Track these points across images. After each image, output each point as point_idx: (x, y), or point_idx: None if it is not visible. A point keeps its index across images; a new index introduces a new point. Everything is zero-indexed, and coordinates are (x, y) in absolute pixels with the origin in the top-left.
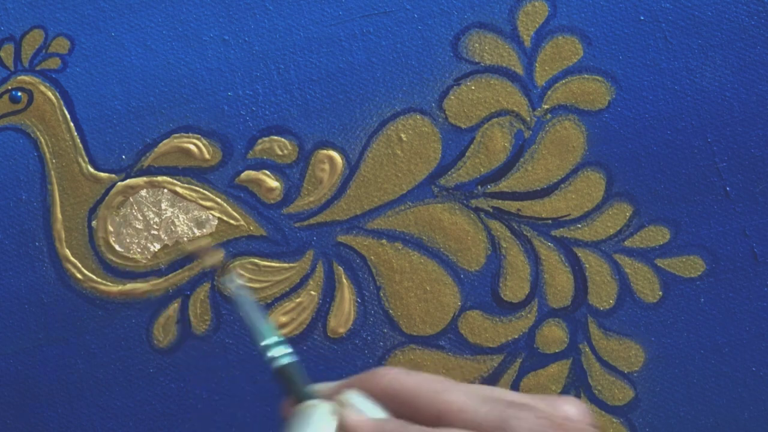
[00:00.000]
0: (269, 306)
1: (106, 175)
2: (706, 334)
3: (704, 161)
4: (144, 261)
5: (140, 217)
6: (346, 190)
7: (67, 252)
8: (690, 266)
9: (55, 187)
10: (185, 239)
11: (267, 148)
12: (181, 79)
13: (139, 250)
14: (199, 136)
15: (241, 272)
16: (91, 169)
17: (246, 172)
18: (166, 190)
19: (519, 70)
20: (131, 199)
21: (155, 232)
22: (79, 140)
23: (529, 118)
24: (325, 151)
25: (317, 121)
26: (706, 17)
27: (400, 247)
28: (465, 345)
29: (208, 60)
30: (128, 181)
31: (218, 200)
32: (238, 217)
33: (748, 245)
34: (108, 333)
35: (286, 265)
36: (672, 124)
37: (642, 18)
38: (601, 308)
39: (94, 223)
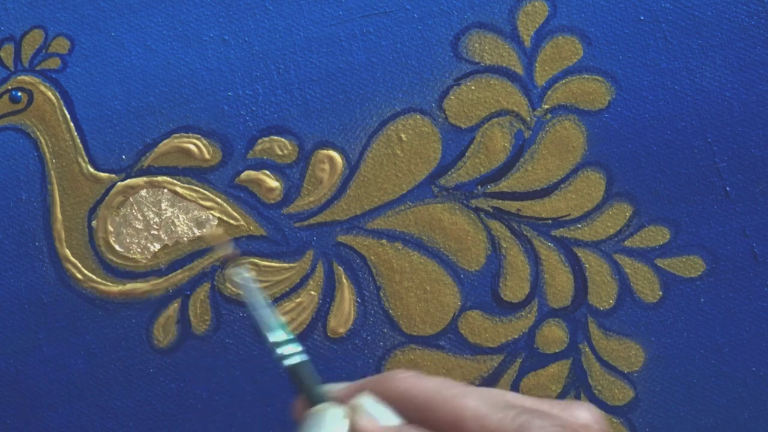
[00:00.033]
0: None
1: (106, 175)
2: (706, 334)
3: (704, 161)
4: (144, 261)
5: (140, 217)
6: (346, 190)
7: (67, 252)
8: (690, 266)
9: (55, 187)
10: (185, 239)
11: (267, 148)
12: (181, 79)
13: (139, 250)
14: (199, 136)
15: (250, 267)
16: (91, 169)
17: (246, 172)
18: (166, 190)
19: (519, 70)
20: (131, 199)
21: (155, 232)
22: (79, 140)
23: (529, 118)
24: (325, 151)
25: (317, 121)
26: (706, 17)
27: (400, 247)
28: (465, 345)
29: (208, 60)
30: (128, 181)
31: (218, 200)
32: (238, 217)
33: (748, 245)
34: (108, 333)
35: (286, 265)
36: (672, 124)
37: (642, 18)
38: (601, 308)
39: (94, 223)
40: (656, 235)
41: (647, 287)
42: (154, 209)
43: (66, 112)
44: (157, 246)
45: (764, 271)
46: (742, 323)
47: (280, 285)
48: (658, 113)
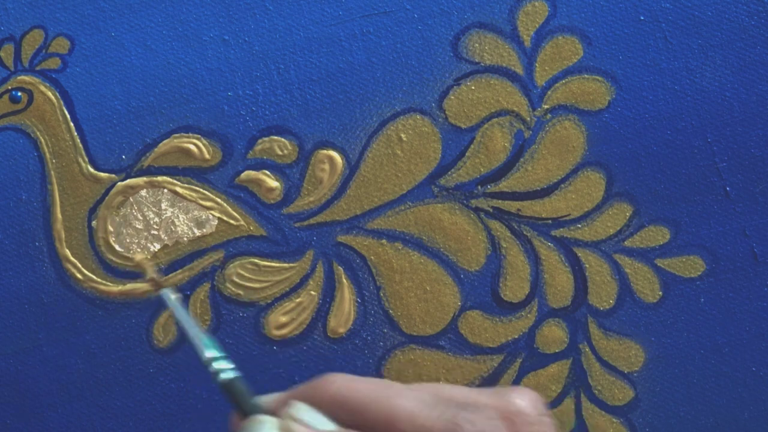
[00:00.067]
0: (269, 306)
1: (106, 175)
2: (706, 334)
3: (704, 161)
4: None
5: (140, 217)
6: (346, 190)
7: (67, 252)
8: (690, 266)
9: (55, 187)
10: (185, 239)
11: (267, 148)
12: (181, 79)
13: (139, 250)
14: (199, 136)
15: (173, 289)
16: (91, 169)
17: (246, 172)
18: (166, 190)
19: (519, 70)
20: (131, 199)
21: (155, 232)
22: (79, 140)
23: (529, 118)
24: (325, 151)
25: (317, 121)
26: (706, 17)
27: (400, 247)
28: (465, 345)
29: (208, 60)
30: (128, 181)
31: (218, 200)
32: (238, 217)
33: (748, 245)
34: (108, 333)
35: (286, 265)
36: (672, 124)
37: (642, 18)
38: (601, 308)
39: (94, 223)
40: (656, 235)
41: (647, 287)
42: (154, 209)
43: (66, 112)
44: (157, 246)
45: (764, 271)
46: (742, 323)
47: (280, 285)
48: (658, 113)
